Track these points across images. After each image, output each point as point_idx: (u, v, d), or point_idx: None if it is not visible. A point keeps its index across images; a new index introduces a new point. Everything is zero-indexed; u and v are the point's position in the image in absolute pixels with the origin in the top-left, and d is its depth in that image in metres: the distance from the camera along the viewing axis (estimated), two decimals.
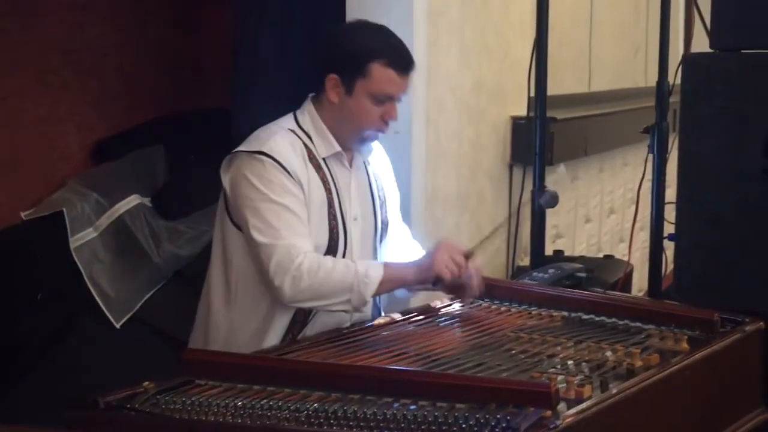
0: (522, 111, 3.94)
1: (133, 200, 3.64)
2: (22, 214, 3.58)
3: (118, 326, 3.43)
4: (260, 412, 1.88)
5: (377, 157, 2.68)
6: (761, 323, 2.52)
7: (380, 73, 2.44)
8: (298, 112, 2.55)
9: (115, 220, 3.57)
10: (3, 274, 3.43)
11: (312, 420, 1.84)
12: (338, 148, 2.51)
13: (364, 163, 2.61)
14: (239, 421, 1.87)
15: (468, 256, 2.48)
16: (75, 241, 3.45)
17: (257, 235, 2.38)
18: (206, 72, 4.20)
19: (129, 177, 3.73)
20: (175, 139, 3.92)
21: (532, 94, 3.66)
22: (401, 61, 2.47)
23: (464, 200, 3.78)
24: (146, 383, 1.98)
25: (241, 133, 3.47)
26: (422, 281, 2.47)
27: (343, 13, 3.35)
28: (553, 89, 3.71)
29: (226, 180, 2.48)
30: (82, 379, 3.13)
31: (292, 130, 2.49)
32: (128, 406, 1.92)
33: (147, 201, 3.71)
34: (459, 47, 3.66)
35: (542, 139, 3.62)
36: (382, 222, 2.63)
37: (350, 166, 2.56)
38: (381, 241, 2.63)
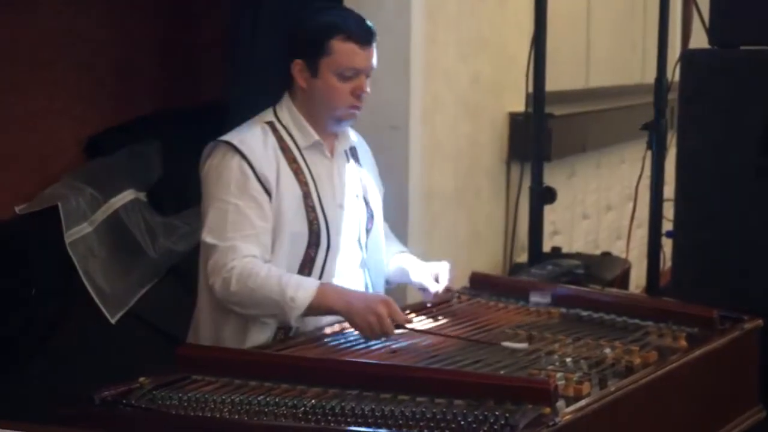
0: (519, 107, 3.93)
1: (128, 195, 3.62)
2: (17, 209, 3.55)
3: (113, 321, 3.41)
4: (257, 408, 1.87)
5: (364, 156, 2.66)
6: (760, 321, 2.51)
7: (341, 48, 2.44)
8: (276, 105, 2.55)
9: (111, 215, 3.55)
10: None
11: (309, 416, 1.83)
12: (317, 137, 2.50)
13: (346, 152, 2.59)
14: (236, 417, 1.86)
15: (402, 324, 2.34)
16: (70, 235, 3.42)
17: (204, 233, 2.40)
18: (202, 67, 4.18)
19: (124, 172, 3.70)
20: (170, 134, 3.90)
21: (530, 90, 3.65)
22: (360, 32, 2.46)
23: (461, 197, 3.76)
24: (142, 379, 1.97)
25: (236, 128, 3.48)
26: (348, 321, 2.37)
27: None
28: (550, 85, 3.70)
29: (201, 170, 2.50)
30: (77, 374, 3.11)
31: (270, 122, 2.50)
32: (124, 401, 1.91)
33: (142, 196, 3.68)
34: (456, 43, 3.65)
35: (540, 135, 3.62)
36: (368, 212, 2.59)
37: (331, 155, 2.55)
38: (368, 231, 2.59)
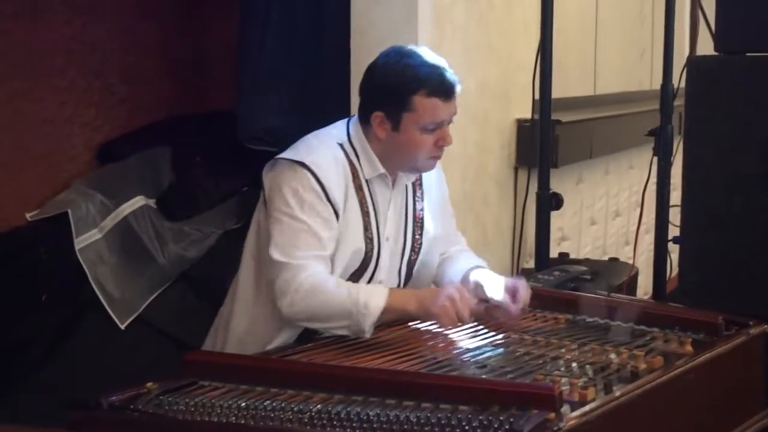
0: (527, 113, 3.94)
1: (138, 201, 3.64)
2: (27, 215, 3.58)
3: (122, 327, 3.43)
4: (263, 413, 1.88)
5: (430, 184, 2.64)
6: (765, 326, 2.51)
7: (424, 104, 2.40)
8: (350, 125, 2.51)
9: (120, 221, 3.57)
10: (8, 275, 3.43)
11: (315, 421, 1.84)
12: (382, 170, 2.49)
13: (407, 185, 2.58)
14: (242, 422, 1.87)
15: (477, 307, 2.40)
16: (80, 242, 3.45)
17: (273, 251, 2.37)
18: (211, 74, 4.20)
19: (134, 178, 3.73)
20: (180, 141, 3.92)
21: (537, 96, 3.66)
22: (443, 86, 2.41)
23: (469, 203, 3.77)
24: (150, 384, 1.99)
25: (245, 135, 3.50)
26: (422, 319, 2.42)
27: (348, 14, 3.35)
28: (558, 92, 3.71)
29: (266, 183, 2.46)
30: (86, 379, 3.13)
31: (341, 145, 2.47)
32: (132, 406, 1.93)
33: (152, 202, 3.70)
34: (463, 49, 3.66)
35: (547, 141, 3.62)
36: (413, 245, 2.59)
37: (392, 186, 2.54)
38: (410, 263, 2.59)
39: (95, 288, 3.42)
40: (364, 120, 2.48)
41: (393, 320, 2.42)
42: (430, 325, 2.47)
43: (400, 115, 2.41)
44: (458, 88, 2.45)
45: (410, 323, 2.48)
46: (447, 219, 2.73)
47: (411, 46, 2.52)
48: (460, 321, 2.35)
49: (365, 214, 2.47)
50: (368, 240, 2.47)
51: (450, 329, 2.39)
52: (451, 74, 2.45)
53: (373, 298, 2.33)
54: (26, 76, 3.59)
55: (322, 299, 2.33)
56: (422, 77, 2.41)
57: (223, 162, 3.80)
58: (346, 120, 2.54)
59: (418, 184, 2.62)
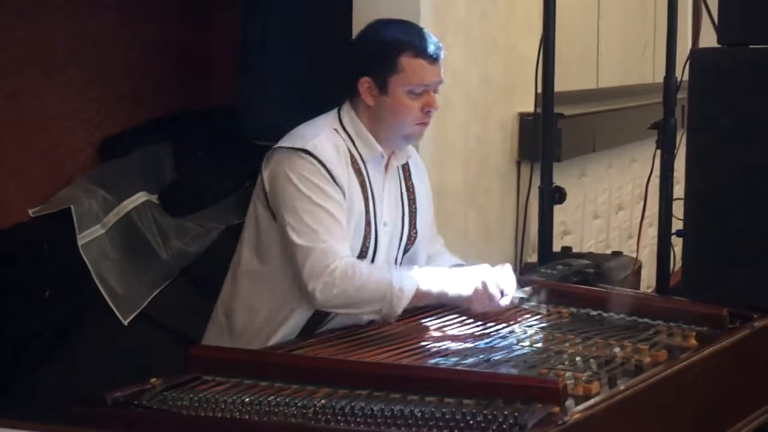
0: (529, 107, 3.93)
1: (140, 197, 3.64)
2: (30, 211, 3.58)
3: (125, 323, 3.43)
4: (267, 409, 1.88)
5: (417, 171, 2.65)
6: None
7: (411, 65, 2.44)
8: (341, 112, 2.52)
9: (123, 217, 3.57)
10: (11, 271, 3.43)
11: (319, 416, 1.84)
12: (380, 149, 2.49)
13: (398, 168, 2.59)
14: (246, 417, 1.87)
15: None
16: (82, 238, 3.45)
17: (294, 236, 2.37)
18: (214, 69, 4.20)
19: (136, 174, 3.73)
20: (182, 137, 3.92)
21: (540, 90, 3.65)
22: (429, 48, 2.46)
23: (472, 196, 3.77)
24: (153, 380, 1.98)
25: (248, 130, 3.50)
26: (455, 302, 2.44)
27: (350, 9, 3.34)
28: (560, 85, 3.70)
29: (265, 174, 2.46)
30: (89, 375, 3.13)
31: (336, 130, 2.48)
32: (135, 402, 1.92)
33: (154, 198, 3.70)
34: (465, 43, 3.65)
35: (549, 135, 3.62)
36: (409, 233, 2.59)
37: (385, 170, 2.54)
38: (405, 251, 2.59)
39: (98, 284, 3.42)
40: (352, 92, 2.49)
41: (420, 305, 2.44)
42: (435, 318, 2.48)
43: (388, 78, 2.44)
44: (442, 54, 2.50)
45: (416, 316, 2.48)
46: (431, 215, 2.74)
47: (396, 18, 2.57)
48: (493, 306, 2.39)
49: (365, 197, 2.47)
50: (367, 223, 2.48)
51: (475, 316, 2.43)
52: (436, 40, 2.50)
53: (405, 281, 2.36)
54: (28, 73, 3.59)
55: (357, 283, 2.34)
56: (408, 39, 2.46)
57: (224, 157, 3.80)
58: (336, 109, 2.55)
59: (408, 176, 2.62)
